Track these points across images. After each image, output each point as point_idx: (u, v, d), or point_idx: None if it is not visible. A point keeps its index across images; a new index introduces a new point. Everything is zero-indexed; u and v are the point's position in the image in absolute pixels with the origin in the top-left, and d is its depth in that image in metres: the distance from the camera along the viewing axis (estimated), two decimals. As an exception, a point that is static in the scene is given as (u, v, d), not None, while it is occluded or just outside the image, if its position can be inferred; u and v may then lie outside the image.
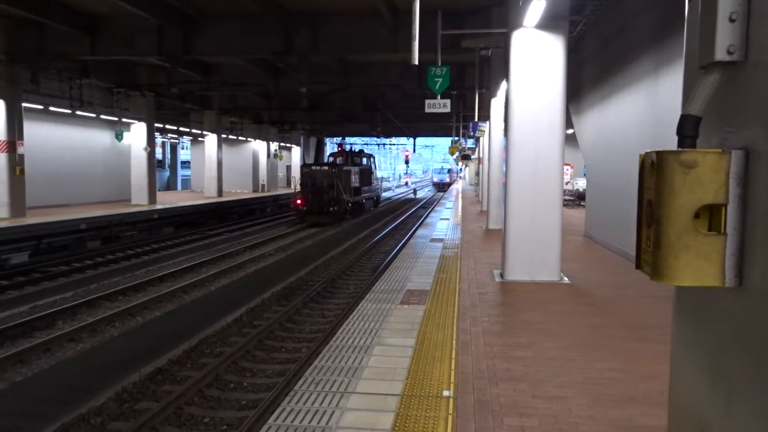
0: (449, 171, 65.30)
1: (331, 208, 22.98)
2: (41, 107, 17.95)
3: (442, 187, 57.20)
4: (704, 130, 1.17)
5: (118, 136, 22.05)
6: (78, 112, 19.24)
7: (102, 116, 20.69)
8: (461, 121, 27.77)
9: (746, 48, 1.06)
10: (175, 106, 24.07)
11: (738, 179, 1.05)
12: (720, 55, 1.07)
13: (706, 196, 1.05)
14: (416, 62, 7.27)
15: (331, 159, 29.15)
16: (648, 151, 1.16)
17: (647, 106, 9.09)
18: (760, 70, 1.03)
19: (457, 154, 34.61)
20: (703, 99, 1.13)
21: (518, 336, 5.61)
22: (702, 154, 1.06)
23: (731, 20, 1.06)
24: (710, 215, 1.08)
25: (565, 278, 8.30)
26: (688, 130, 1.13)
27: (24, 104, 16.31)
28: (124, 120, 21.42)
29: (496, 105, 15.52)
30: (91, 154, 23.07)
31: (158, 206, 20.95)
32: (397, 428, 3.53)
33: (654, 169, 1.10)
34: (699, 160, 1.05)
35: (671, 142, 1.17)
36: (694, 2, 1.20)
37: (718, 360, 1.14)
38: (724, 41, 1.07)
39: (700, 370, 1.22)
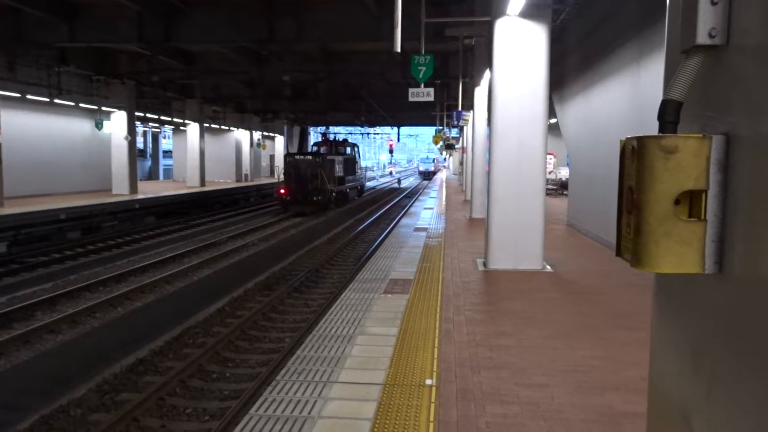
0: (434, 160, 67.54)
1: (314, 198, 22.89)
2: (18, 95, 17.62)
3: (427, 175, 59.87)
4: (686, 115, 1.16)
5: (98, 125, 21.72)
6: (56, 101, 18.91)
7: (81, 105, 20.36)
8: (445, 111, 27.77)
9: (728, 31, 1.04)
10: (157, 94, 23.77)
11: (719, 165, 1.04)
12: (701, 38, 1.06)
13: (686, 181, 1.04)
14: (398, 50, 7.22)
15: (314, 148, 29.00)
16: (629, 136, 1.14)
17: (630, 96, 9.13)
18: (742, 54, 1.01)
19: (441, 143, 34.62)
20: (684, 83, 1.11)
21: (501, 324, 5.63)
22: (683, 139, 1.04)
23: (713, 3, 1.04)
24: (691, 201, 1.07)
25: (548, 267, 8.35)
26: (669, 115, 1.11)
27: (0, 92, 15.99)
28: (104, 108, 21.10)
29: (480, 94, 15.52)
30: (70, 143, 22.71)
31: (140, 196, 20.73)
32: (379, 417, 3.52)
33: (635, 154, 1.09)
34: (680, 146, 1.04)
35: (654, 132, 1.15)
36: (676, -15, 1.18)
37: (698, 347, 1.14)
38: (706, 24, 1.05)
39: (681, 358, 1.22)
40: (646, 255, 1.06)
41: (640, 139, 1.06)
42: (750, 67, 0.98)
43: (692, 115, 1.16)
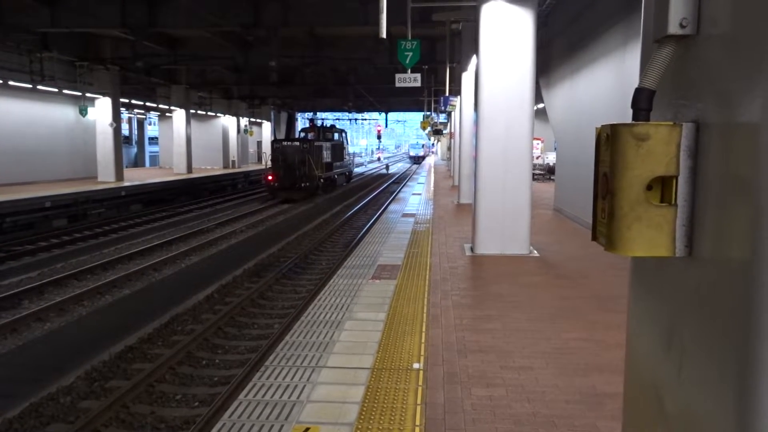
0: (423, 146, 71.38)
1: (302, 184, 22.84)
2: (0, 81, 17.35)
3: (417, 160, 64.56)
4: (660, 103, 1.19)
5: (83, 112, 21.47)
6: (39, 87, 18.64)
7: (65, 91, 20.09)
8: (433, 96, 27.71)
9: (698, 22, 1.07)
10: (141, 80, 23.51)
11: (689, 151, 1.07)
12: (673, 28, 1.08)
13: (658, 167, 1.07)
14: (384, 35, 7.20)
15: (302, 134, 28.87)
16: (604, 124, 1.17)
17: (616, 80, 9.18)
18: (711, 43, 1.04)
19: (428, 128, 34.60)
20: (656, 72, 1.14)
21: (487, 309, 5.70)
22: (654, 126, 1.07)
23: (684, -7, 1.07)
24: (662, 187, 1.10)
25: (535, 251, 8.43)
26: (641, 103, 1.15)
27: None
28: (88, 95, 20.84)
29: (467, 79, 15.51)
30: (54, 130, 22.42)
31: (126, 183, 20.58)
32: (367, 401, 3.57)
33: (609, 142, 1.12)
34: (651, 133, 1.07)
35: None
36: (650, -24, 1.20)
37: (670, 327, 1.18)
38: (677, 15, 1.08)
39: (654, 338, 1.26)
40: (618, 239, 1.10)
41: (614, 127, 1.10)
42: (718, 56, 1.01)
43: (665, 103, 1.19)
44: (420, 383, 3.85)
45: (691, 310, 1.09)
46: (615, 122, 1.14)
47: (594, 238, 1.23)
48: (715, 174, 1.02)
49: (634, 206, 1.08)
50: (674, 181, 1.09)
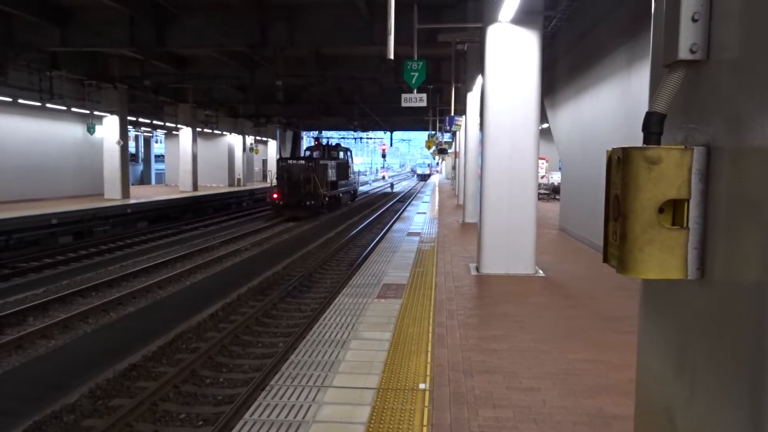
0: (429, 165, 75.91)
1: (307, 202, 22.89)
2: (10, 99, 17.54)
3: (423, 177, 69.42)
4: (670, 126, 1.21)
5: (90, 130, 21.65)
6: (48, 105, 18.82)
7: (73, 109, 20.29)
8: (438, 115, 27.82)
9: (708, 47, 1.09)
10: (149, 99, 23.70)
11: (700, 175, 1.08)
12: (683, 54, 1.10)
13: (669, 191, 1.08)
14: (392, 56, 7.26)
15: (307, 153, 29.01)
16: (615, 147, 1.18)
17: (621, 101, 9.22)
18: (721, 68, 1.06)
19: (433, 148, 34.70)
20: (667, 97, 1.16)
21: (493, 329, 5.67)
22: (666, 150, 1.09)
23: (694, 20, 1.09)
24: (674, 210, 1.11)
25: (540, 271, 8.40)
26: (653, 126, 1.16)
27: (-8, 96, 15.93)
28: (96, 113, 21.03)
29: (472, 99, 15.59)
30: (62, 147, 22.62)
31: (132, 200, 20.67)
32: (373, 421, 3.55)
33: (620, 164, 1.13)
34: (663, 156, 1.08)
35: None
36: (660, 2, 1.22)
37: (682, 349, 1.18)
38: (687, 40, 1.10)
39: (666, 360, 1.26)
40: (630, 261, 1.10)
41: (625, 150, 1.11)
42: (728, 81, 1.03)
43: (676, 127, 1.21)
44: (426, 404, 3.82)
45: (703, 332, 1.09)
46: (623, 144, 1.15)
47: (605, 260, 1.24)
48: (726, 197, 1.02)
49: (646, 229, 1.08)
50: (686, 204, 1.09)
